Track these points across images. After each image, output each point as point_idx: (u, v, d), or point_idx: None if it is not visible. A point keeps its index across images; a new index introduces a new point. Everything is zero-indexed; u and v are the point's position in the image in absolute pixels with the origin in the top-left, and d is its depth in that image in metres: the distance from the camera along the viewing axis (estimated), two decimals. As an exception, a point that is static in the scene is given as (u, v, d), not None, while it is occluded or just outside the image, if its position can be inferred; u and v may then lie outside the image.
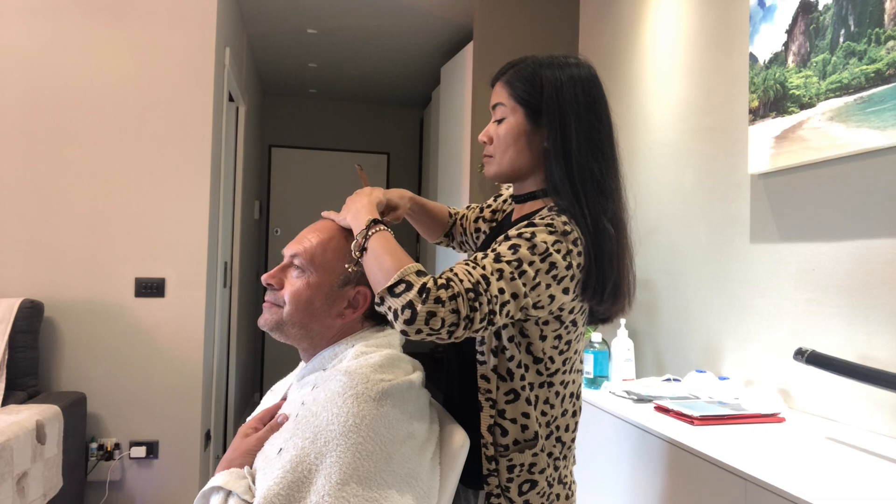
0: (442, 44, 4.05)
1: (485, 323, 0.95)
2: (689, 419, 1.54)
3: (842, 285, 1.59)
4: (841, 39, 1.57)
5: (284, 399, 1.13)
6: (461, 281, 0.94)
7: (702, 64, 2.21)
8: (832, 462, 1.26)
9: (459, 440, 1.10)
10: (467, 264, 0.99)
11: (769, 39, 1.82)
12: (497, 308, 0.96)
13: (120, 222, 2.72)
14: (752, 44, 1.89)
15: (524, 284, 0.99)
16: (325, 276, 1.09)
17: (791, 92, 1.72)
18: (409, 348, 1.14)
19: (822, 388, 1.65)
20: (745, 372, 1.92)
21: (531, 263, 1.00)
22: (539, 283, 1.00)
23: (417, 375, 1.08)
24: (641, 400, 1.79)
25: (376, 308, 0.97)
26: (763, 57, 1.84)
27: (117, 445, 2.70)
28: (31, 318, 2.49)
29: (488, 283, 0.96)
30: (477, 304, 0.93)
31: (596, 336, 2.09)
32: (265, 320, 1.10)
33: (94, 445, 2.65)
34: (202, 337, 2.78)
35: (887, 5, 1.44)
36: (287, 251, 1.12)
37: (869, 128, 1.47)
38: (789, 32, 1.74)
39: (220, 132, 3.03)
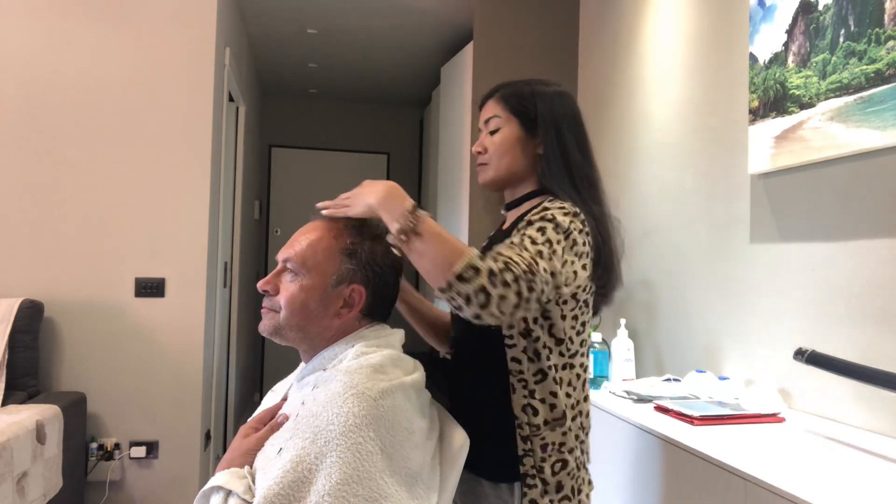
0: (442, 44, 4.05)
1: (537, 304, 0.99)
2: (689, 419, 1.54)
3: (842, 285, 1.59)
4: (841, 39, 1.57)
5: (284, 399, 1.13)
6: (517, 264, 0.98)
7: (702, 64, 2.21)
8: (832, 462, 1.26)
9: (459, 440, 1.10)
10: (512, 247, 1.03)
11: (769, 39, 1.82)
12: (545, 287, 1.01)
13: (120, 222, 2.72)
14: (752, 44, 1.89)
15: (558, 262, 1.05)
16: (318, 278, 1.09)
17: (791, 92, 1.72)
18: (410, 348, 1.15)
19: (822, 388, 1.65)
20: (745, 372, 1.92)
21: (558, 242, 1.07)
22: (566, 261, 1.08)
23: (418, 375, 1.08)
24: (641, 400, 1.79)
25: (439, 294, 0.98)
26: (763, 57, 1.84)
27: (117, 445, 2.70)
28: (31, 318, 2.49)
29: (538, 264, 1.00)
30: (533, 286, 0.98)
31: (596, 336, 2.09)
32: (264, 326, 1.11)
33: (94, 445, 2.65)
34: (202, 337, 2.78)
35: (887, 5, 1.44)
36: (280, 256, 1.12)
37: (869, 128, 1.47)
38: (789, 32, 1.74)
39: (220, 132, 3.03)
